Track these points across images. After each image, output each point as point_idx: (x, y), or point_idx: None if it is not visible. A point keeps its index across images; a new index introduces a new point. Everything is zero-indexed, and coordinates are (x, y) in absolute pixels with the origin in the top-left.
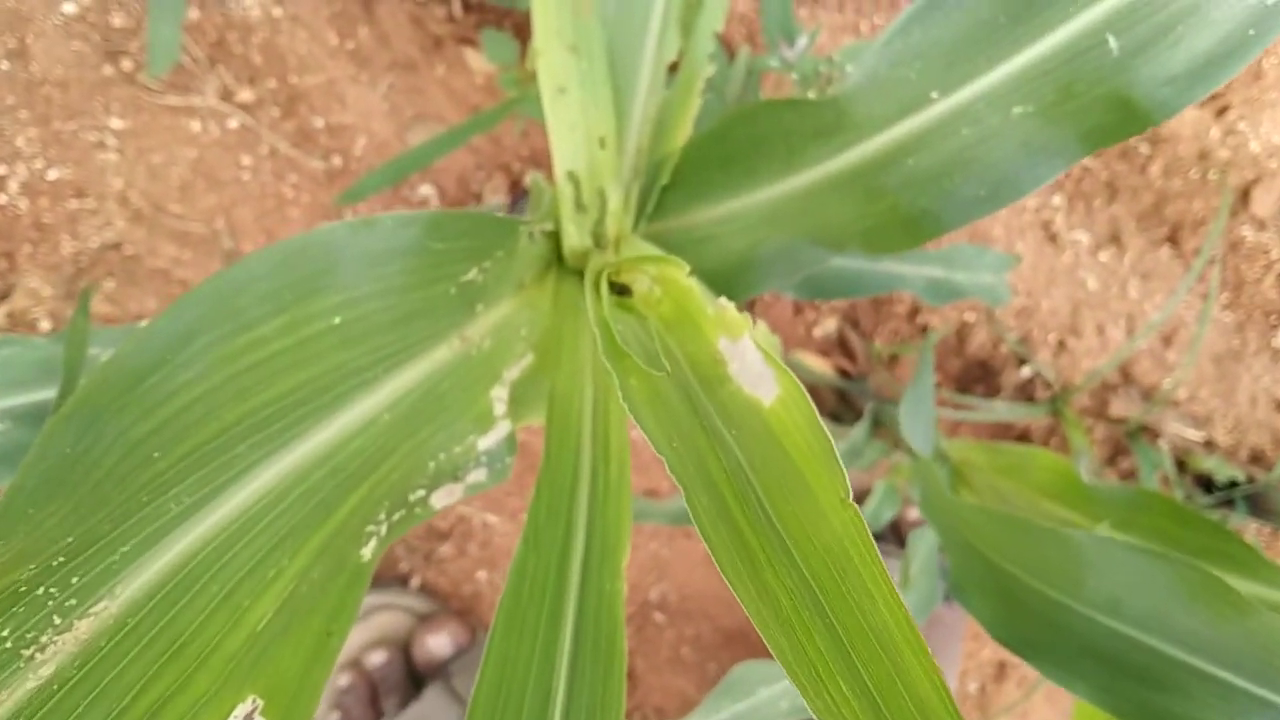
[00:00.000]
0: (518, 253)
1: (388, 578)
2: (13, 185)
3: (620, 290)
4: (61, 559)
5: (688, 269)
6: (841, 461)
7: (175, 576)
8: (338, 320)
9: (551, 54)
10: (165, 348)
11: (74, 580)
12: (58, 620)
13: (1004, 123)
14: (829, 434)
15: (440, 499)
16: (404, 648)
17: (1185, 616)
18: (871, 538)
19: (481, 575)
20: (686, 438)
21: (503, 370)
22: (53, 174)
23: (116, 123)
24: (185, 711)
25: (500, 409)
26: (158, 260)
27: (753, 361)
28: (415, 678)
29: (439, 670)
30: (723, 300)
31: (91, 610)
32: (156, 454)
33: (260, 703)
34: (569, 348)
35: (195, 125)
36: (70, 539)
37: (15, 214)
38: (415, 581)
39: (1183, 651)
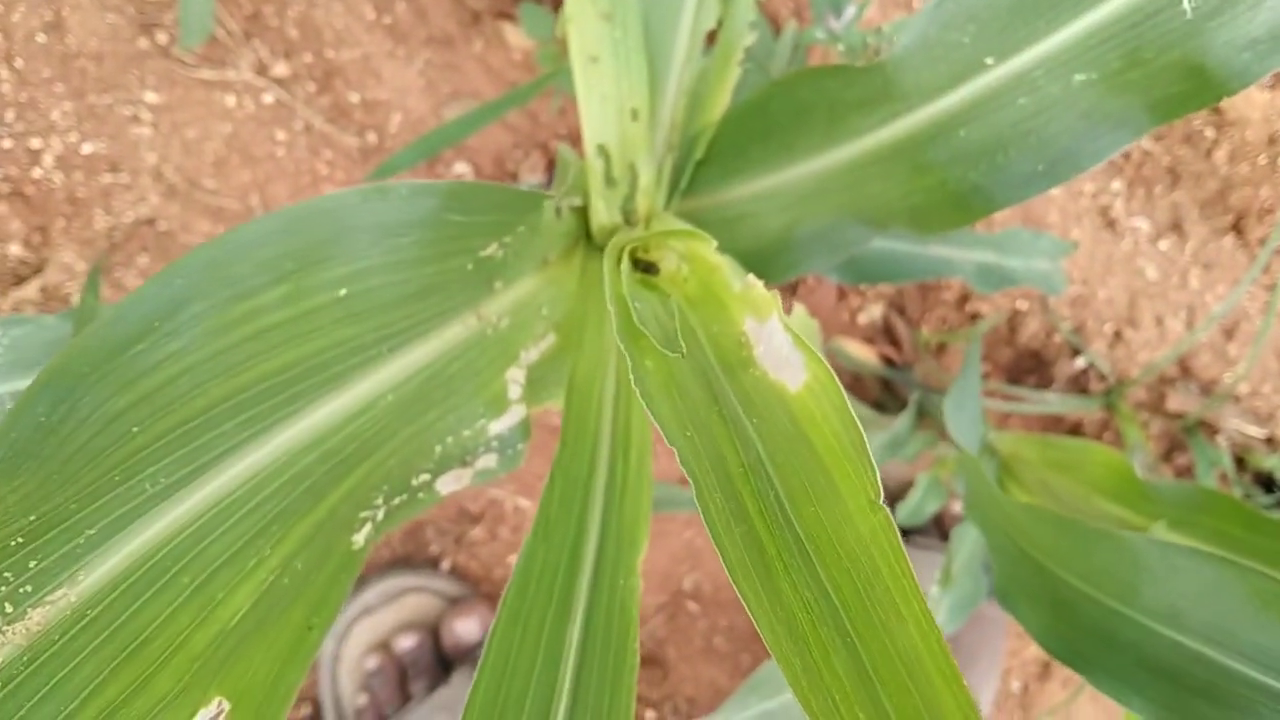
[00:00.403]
0: (542, 228)
1: (419, 559)
2: (48, 159)
3: (646, 268)
4: (20, 539)
5: (714, 244)
6: (874, 458)
7: (144, 565)
8: (343, 293)
9: (584, 21)
10: (153, 315)
11: (32, 564)
12: (9, 608)
13: (1064, 92)
14: (860, 426)
15: (447, 484)
16: (433, 631)
17: (1254, 630)
18: (903, 546)
19: (513, 559)
20: (703, 427)
21: (520, 351)
22: (87, 148)
23: (151, 96)
24: (143, 715)
25: (516, 392)
26: (191, 236)
27: (780, 344)
28: (444, 661)
29: (468, 655)
30: (750, 277)
31: (48, 599)
32: (135, 429)
33: (226, 705)
34: (593, 329)
35: (230, 100)
36: (33, 518)
37: (50, 188)
38: (446, 564)
39: (1250, 667)
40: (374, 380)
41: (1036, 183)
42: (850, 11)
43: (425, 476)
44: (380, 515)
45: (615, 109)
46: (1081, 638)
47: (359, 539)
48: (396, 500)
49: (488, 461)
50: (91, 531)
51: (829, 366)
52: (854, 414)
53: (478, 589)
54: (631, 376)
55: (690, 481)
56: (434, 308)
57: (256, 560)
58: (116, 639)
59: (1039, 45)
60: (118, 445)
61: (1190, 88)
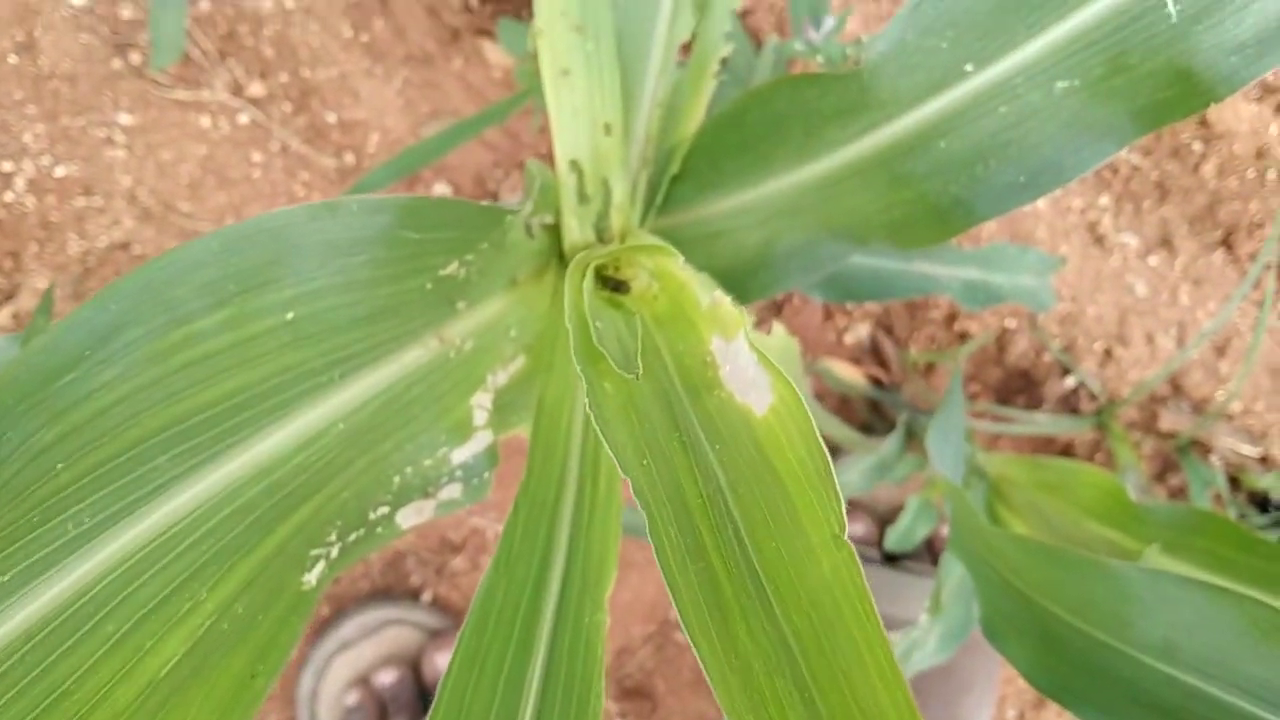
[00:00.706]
0: (509, 246)
1: (399, 591)
2: (19, 182)
3: (616, 286)
4: None
5: (681, 259)
6: (858, 483)
7: (63, 613)
8: (290, 316)
9: (555, 33)
10: (85, 342)
11: None
12: None
13: (1046, 100)
14: (827, 453)
15: (408, 517)
16: (414, 665)
17: (1252, 662)
18: (867, 587)
19: None
20: (661, 455)
21: (487, 375)
22: (60, 171)
23: (125, 118)
24: None
25: (481, 418)
26: None
27: (746, 364)
28: (425, 696)
29: None
30: (718, 293)
31: None
32: (60, 465)
33: None
34: (563, 351)
35: (205, 120)
36: None
37: (22, 212)
38: (427, 596)
39: (1249, 702)
40: (324, 408)
41: (1018, 194)
42: (829, 23)
43: (384, 509)
44: (335, 552)
45: (588, 123)
46: (1071, 672)
47: (310, 578)
48: (353, 535)
49: (451, 492)
50: (4, 578)
51: (796, 388)
52: (821, 440)
53: (459, 620)
54: (587, 400)
55: (644, 514)
56: (390, 330)
57: (191, 604)
58: (29, 694)
59: (1019, 51)
60: (41, 483)
61: (1177, 94)
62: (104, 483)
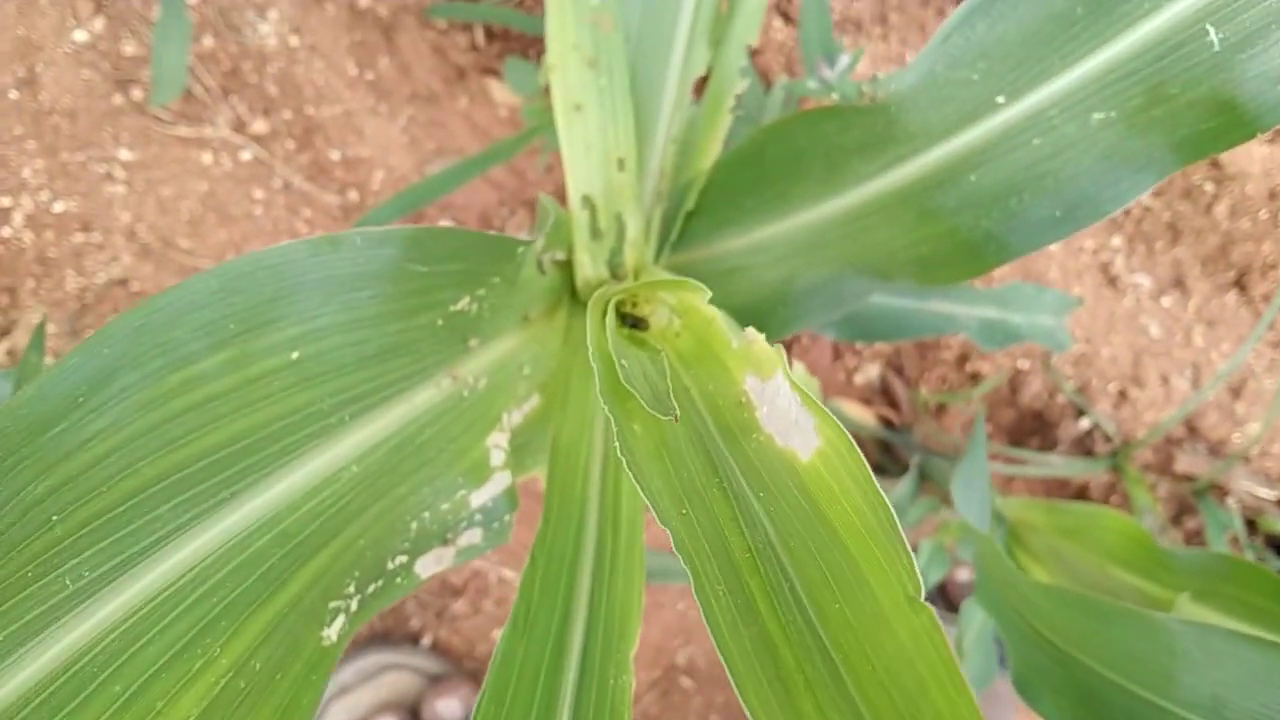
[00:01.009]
0: (521, 282)
1: (398, 635)
2: (17, 218)
3: (635, 324)
4: None
5: (708, 294)
6: (907, 542)
7: (64, 674)
8: (295, 356)
9: (568, 68)
10: (77, 390)
11: None
12: None
13: (1082, 131)
14: (889, 503)
15: (427, 566)
16: (414, 711)
17: None
18: (957, 660)
19: (497, 634)
20: (701, 502)
21: (502, 414)
22: (59, 206)
23: (125, 154)
24: None
25: (499, 458)
26: None
27: (787, 405)
28: None
29: None
30: (750, 331)
31: None
32: (54, 518)
33: None
34: (577, 391)
35: (206, 157)
36: None
37: (19, 247)
38: (427, 640)
39: None
40: (335, 451)
41: (1054, 229)
42: (844, 60)
43: (402, 558)
44: (354, 605)
45: (601, 158)
46: None
47: (331, 633)
48: (371, 587)
49: (471, 537)
50: None
51: (845, 430)
52: (879, 488)
53: (460, 666)
54: (617, 443)
55: (688, 571)
56: (400, 369)
57: (204, 661)
58: None
59: (1054, 82)
60: (34, 537)
61: (1220, 124)
62: (102, 535)
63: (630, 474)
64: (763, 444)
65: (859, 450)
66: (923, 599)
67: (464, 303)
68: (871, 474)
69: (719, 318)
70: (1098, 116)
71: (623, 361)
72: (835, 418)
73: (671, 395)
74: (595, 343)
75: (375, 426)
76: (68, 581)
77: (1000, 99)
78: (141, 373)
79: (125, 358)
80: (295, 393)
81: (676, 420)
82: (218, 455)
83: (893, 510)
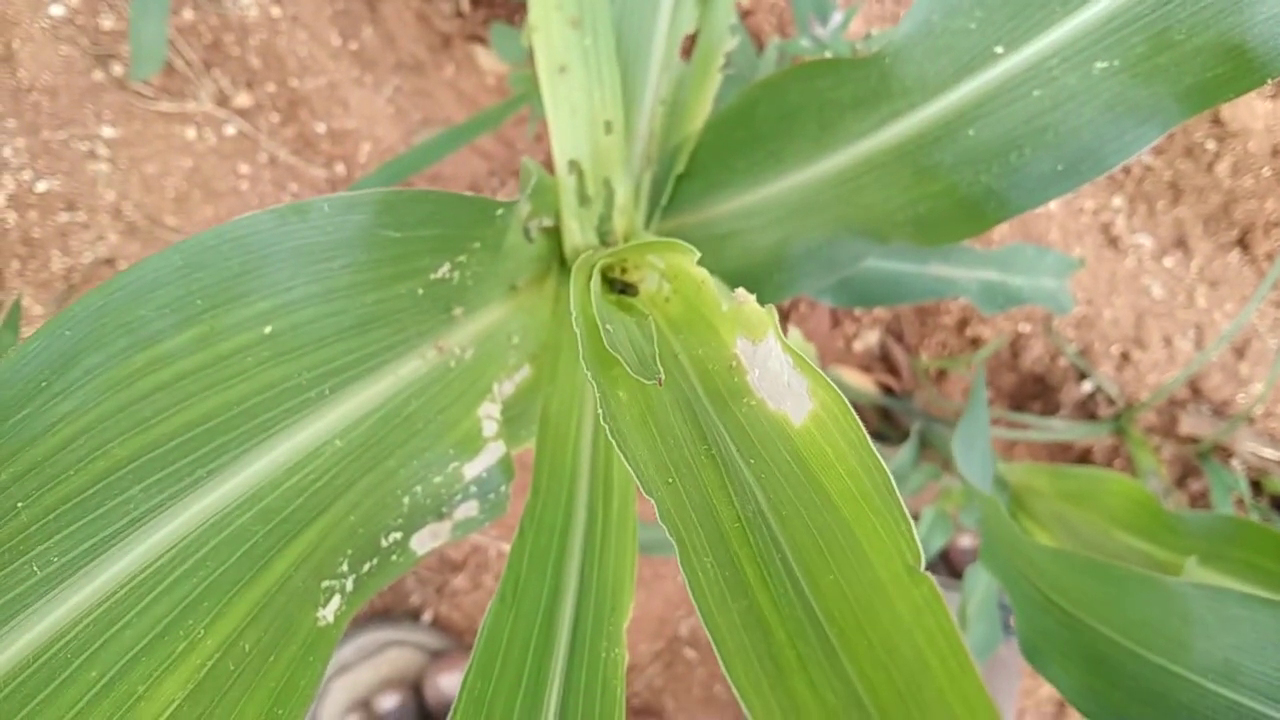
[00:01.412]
0: (506, 249)
1: (399, 611)
2: (0, 198)
3: (623, 289)
4: None
5: (697, 255)
6: (907, 510)
7: (31, 665)
8: (268, 330)
9: (550, 28)
10: (39, 374)
11: None
12: None
13: (1083, 82)
14: (886, 468)
15: (423, 542)
16: (416, 687)
17: None
18: (959, 633)
19: None
20: (688, 471)
21: (493, 385)
22: (42, 186)
23: (108, 131)
24: None
25: (491, 429)
26: None
27: (779, 368)
28: (428, 718)
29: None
30: (740, 292)
31: None
32: (19, 504)
33: None
34: (566, 361)
35: (190, 132)
36: None
37: (3, 228)
38: (427, 616)
39: None
40: (317, 426)
41: (1057, 184)
42: (837, 18)
43: (397, 534)
44: (350, 585)
45: (587, 121)
46: (1122, 698)
47: (327, 614)
48: (366, 565)
49: (468, 510)
50: None
51: (840, 393)
52: (876, 452)
53: (461, 641)
54: (600, 410)
55: (674, 542)
56: (382, 340)
57: (187, 643)
58: None
59: (1054, 31)
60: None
61: (1227, 71)
62: (70, 519)
63: (613, 441)
64: (753, 408)
65: (854, 413)
66: (923, 569)
67: (444, 270)
68: (868, 437)
69: (708, 280)
70: (1100, 65)
71: (607, 326)
72: (829, 380)
73: (658, 360)
74: (579, 307)
75: (359, 400)
76: (35, 568)
77: (999, 49)
78: (106, 353)
79: (88, 339)
80: (270, 368)
81: (661, 384)
82: (191, 434)
83: (890, 475)
